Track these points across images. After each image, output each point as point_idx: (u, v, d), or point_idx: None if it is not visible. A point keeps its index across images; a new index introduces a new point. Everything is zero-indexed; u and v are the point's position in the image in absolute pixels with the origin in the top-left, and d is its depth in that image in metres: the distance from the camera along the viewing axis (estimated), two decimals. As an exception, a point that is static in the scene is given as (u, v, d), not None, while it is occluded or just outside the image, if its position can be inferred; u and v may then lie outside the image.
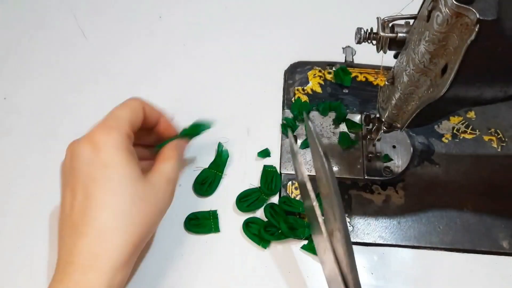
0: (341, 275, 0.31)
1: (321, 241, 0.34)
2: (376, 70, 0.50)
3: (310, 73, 0.51)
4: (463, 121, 0.47)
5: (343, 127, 0.47)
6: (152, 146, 0.39)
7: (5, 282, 0.39)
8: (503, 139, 0.46)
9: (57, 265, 0.31)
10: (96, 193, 0.30)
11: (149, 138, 0.40)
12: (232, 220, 0.42)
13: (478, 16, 0.23)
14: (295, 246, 0.41)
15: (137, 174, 0.32)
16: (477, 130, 0.47)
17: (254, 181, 0.44)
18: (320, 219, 0.33)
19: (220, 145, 0.45)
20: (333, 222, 0.31)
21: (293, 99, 0.49)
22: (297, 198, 0.43)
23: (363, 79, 0.50)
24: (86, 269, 0.29)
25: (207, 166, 0.44)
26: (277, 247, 0.41)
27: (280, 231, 0.40)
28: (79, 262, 0.29)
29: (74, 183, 0.31)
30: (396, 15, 0.32)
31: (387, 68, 0.50)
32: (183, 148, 0.39)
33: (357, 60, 0.51)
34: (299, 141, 0.46)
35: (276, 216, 0.41)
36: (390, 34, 0.32)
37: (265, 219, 0.41)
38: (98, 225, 0.30)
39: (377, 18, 0.32)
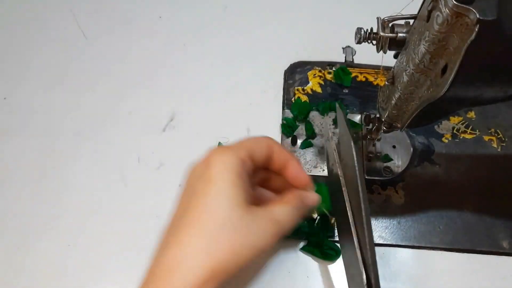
0: (362, 262, 0.31)
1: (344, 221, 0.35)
2: (376, 70, 0.50)
3: (310, 73, 0.51)
4: (463, 121, 0.47)
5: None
6: (281, 191, 0.36)
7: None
8: (503, 139, 0.46)
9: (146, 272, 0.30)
10: (192, 206, 0.29)
11: (277, 181, 0.37)
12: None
13: (478, 16, 0.23)
14: (295, 246, 0.41)
15: (241, 199, 0.29)
16: (477, 130, 0.47)
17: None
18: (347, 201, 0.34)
19: (220, 145, 0.45)
20: (355, 205, 0.32)
21: (293, 99, 0.49)
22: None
23: (363, 79, 0.50)
24: (159, 283, 0.28)
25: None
26: (276, 247, 0.41)
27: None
28: (157, 273, 0.28)
29: (182, 195, 0.31)
30: (396, 15, 0.32)
31: (387, 68, 0.50)
32: (309, 200, 0.35)
33: (357, 60, 0.51)
34: (299, 141, 0.46)
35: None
36: (390, 34, 0.31)
37: None
38: (181, 240, 0.29)
39: (377, 18, 0.32)
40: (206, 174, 0.30)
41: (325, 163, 0.45)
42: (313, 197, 0.35)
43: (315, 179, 0.44)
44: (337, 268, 0.40)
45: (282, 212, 0.32)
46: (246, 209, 0.29)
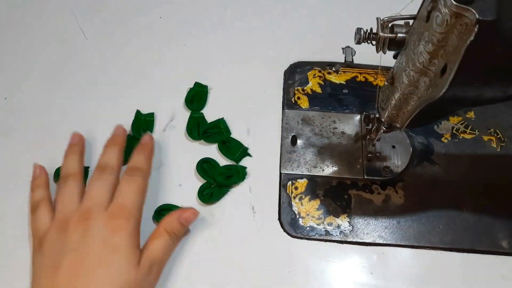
0: None
1: None
2: (375, 70, 0.51)
3: (310, 73, 0.51)
4: (463, 121, 0.47)
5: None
6: None
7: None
8: (503, 139, 0.46)
9: None
10: (96, 272, 0.32)
11: None
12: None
13: (477, 16, 0.23)
14: (296, 245, 0.41)
15: (137, 258, 0.33)
16: (477, 130, 0.47)
17: (254, 181, 0.44)
18: None
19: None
20: None
21: (293, 99, 0.49)
22: (297, 199, 0.43)
23: (363, 79, 0.50)
24: None
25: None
26: (276, 247, 0.41)
27: (214, 185, 0.41)
28: None
29: (80, 257, 0.32)
30: (395, 16, 0.32)
31: (386, 69, 0.50)
32: (186, 222, 0.38)
33: (357, 60, 0.51)
34: (299, 141, 0.46)
35: (209, 171, 0.42)
36: (390, 35, 0.32)
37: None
38: None
39: (377, 18, 0.32)
40: (112, 242, 0.33)
41: (325, 163, 0.45)
42: (188, 216, 0.38)
43: (313, 178, 0.44)
44: (337, 268, 0.40)
45: (157, 247, 0.35)
46: (137, 266, 0.33)
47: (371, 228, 0.41)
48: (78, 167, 0.39)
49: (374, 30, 0.32)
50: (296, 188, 0.43)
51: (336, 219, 0.42)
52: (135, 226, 0.35)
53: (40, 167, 0.40)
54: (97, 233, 0.33)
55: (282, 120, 0.48)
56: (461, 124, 0.47)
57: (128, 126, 0.46)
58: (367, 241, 0.41)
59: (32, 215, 0.37)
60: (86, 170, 0.42)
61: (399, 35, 0.32)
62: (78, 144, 0.41)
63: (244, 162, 0.45)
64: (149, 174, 0.39)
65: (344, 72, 0.51)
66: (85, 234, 0.33)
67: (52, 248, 0.34)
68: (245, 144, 0.46)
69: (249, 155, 0.45)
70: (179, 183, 0.44)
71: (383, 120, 0.38)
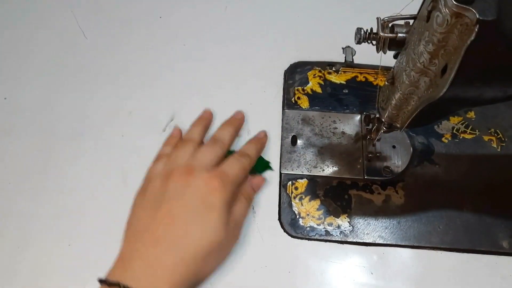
0: None
1: None
2: (376, 70, 0.50)
3: (310, 73, 0.51)
4: (463, 121, 0.47)
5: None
6: None
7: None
8: (503, 139, 0.46)
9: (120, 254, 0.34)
10: (190, 224, 0.33)
11: None
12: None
13: (477, 16, 0.23)
14: (296, 245, 0.41)
15: (227, 222, 0.35)
16: (477, 130, 0.47)
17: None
18: None
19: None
20: None
21: (293, 99, 0.49)
22: (297, 199, 0.43)
23: (363, 79, 0.50)
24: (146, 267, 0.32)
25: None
26: (277, 247, 0.41)
27: None
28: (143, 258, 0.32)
29: (177, 206, 0.34)
30: (396, 16, 0.32)
31: (387, 68, 0.50)
32: (256, 187, 0.42)
33: (357, 60, 0.51)
34: (300, 141, 0.46)
35: None
36: (390, 34, 0.31)
37: None
38: (174, 249, 0.33)
39: (377, 18, 0.32)
40: (209, 199, 0.35)
41: (325, 163, 0.45)
42: (258, 182, 0.42)
43: (313, 178, 0.44)
44: (338, 268, 0.40)
45: (240, 211, 0.38)
46: (227, 227, 0.35)
47: (371, 228, 0.41)
48: (199, 136, 0.41)
49: (375, 30, 0.32)
50: (296, 188, 0.43)
51: (336, 219, 0.42)
52: (230, 194, 0.36)
53: (179, 129, 0.44)
54: (195, 189, 0.35)
55: (282, 120, 0.48)
56: (462, 124, 0.47)
57: (124, 128, 0.46)
58: (367, 241, 0.41)
59: (152, 164, 0.40)
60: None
61: (400, 35, 0.31)
62: (206, 119, 0.44)
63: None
64: (253, 164, 0.41)
65: (344, 72, 0.51)
66: (184, 187, 0.35)
67: (153, 193, 0.36)
68: (245, 144, 0.46)
69: (270, 168, 0.45)
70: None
71: (383, 120, 0.38)
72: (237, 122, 0.43)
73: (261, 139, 0.44)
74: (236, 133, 0.43)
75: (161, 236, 0.33)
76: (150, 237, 0.33)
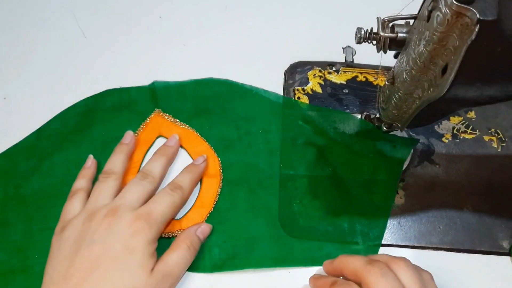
0: None
1: None
2: (376, 70, 0.50)
3: (310, 73, 0.51)
4: (463, 121, 0.47)
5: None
6: None
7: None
8: (503, 139, 0.46)
9: None
10: (109, 270, 0.32)
11: None
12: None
13: (478, 16, 0.23)
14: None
15: (150, 266, 0.33)
16: (477, 130, 0.47)
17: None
18: None
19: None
20: None
21: (293, 99, 0.49)
22: (297, 199, 0.43)
23: (363, 79, 0.50)
24: None
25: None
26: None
27: None
28: None
29: (97, 250, 0.33)
30: (396, 15, 0.32)
31: (387, 68, 0.50)
32: (202, 235, 0.39)
33: (357, 60, 0.51)
34: (300, 141, 0.46)
35: None
36: (390, 34, 0.32)
37: None
38: None
39: (377, 18, 0.32)
40: (132, 244, 0.33)
41: (325, 163, 0.45)
42: (205, 229, 0.39)
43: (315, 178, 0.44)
44: (337, 268, 0.40)
45: (176, 260, 0.35)
46: (150, 272, 0.33)
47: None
48: (121, 167, 0.40)
49: (375, 30, 0.32)
50: (296, 188, 0.43)
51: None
52: (155, 236, 0.35)
53: (93, 160, 0.42)
54: (119, 231, 0.33)
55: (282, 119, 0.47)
56: (462, 124, 0.47)
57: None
58: (368, 241, 0.41)
59: (67, 201, 0.38)
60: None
61: (400, 34, 0.31)
62: (128, 144, 0.42)
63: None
64: (188, 196, 0.39)
65: (344, 72, 0.51)
66: (107, 229, 0.33)
67: (73, 235, 0.34)
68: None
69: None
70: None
71: (383, 120, 0.38)
72: (170, 151, 0.41)
73: (197, 166, 0.41)
74: (169, 163, 0.41)
75: (79, 284, 0.31)
76: (67, 286, 0.31)
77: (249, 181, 0.43)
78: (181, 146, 0.45)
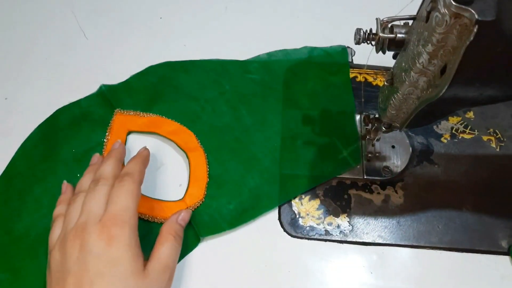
0: None
1: None
2: (375, 70, 0.51)
3: (310, 73, 0.51)
4: (462, 121, 0.47)
5: None
6: None
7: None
8: (502, 139, 0.46)
9: None
10: None
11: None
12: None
13: (477, 16, 0.23)
14: (295, 244, 0.41)
15: (140, 268, 0.33)
16: (476, 130, 0.47)
17: (254, 181, 0.44)
18: None
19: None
20: None
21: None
22: (297, 198, 0.43)
23: (362, 80, 0.50)
24: None
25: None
26: (277, 247, 0.41)
27: None
28: None
29: (82, 275, 0.31)
30: (395, 16, 0.32)
31: (386, 69, 0.50)
32: (184, 222, 0.39)
33: (356, 60, 0.51)
34: (300, 141, 0.46)
35: None
36: (389, 35, 0.32)
37: None
38: None
39: (376, 19, 0.32)
40: (109, 255, 0.32)
41: (325, 163, 0.45)
42: (185, 215, 0.39)
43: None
44: (337, 268, 0.40)
45: (166, 254, 0.35)
46: (144, 273, 0.33)
47: (371, 228, 0.42)
48: (88, 182, 0.38)
49: (374, 31, 0.32)
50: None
51: (336, 219, 0.42)
52: (131, 234, 0.33)
53: (68, 185, 0.41)
54: (92, 248, 0.32)
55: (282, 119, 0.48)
56: (461, 124, 0.47)
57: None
58: (367, 241, 0.41)
59: (50, 230, 0.37)
60: None
61: (399, 35, 0.32)
62: (97, 163, 0.41)
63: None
64: (140, 178, 0.38)
65: (344, 72, 0.51)
66: (82, 250, 0.32)
67: (55, 266, 0.33)
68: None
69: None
70: (180, 183, 0.44)
71: (382, 120, 0.38)
72: (115, 152, 0.40)
73: (140, 154, 0.41)
74: (119, 162, 0.39)
75: None
76: None
77: (228, 142, 0.45)
78: (155, 132, 0.45)
